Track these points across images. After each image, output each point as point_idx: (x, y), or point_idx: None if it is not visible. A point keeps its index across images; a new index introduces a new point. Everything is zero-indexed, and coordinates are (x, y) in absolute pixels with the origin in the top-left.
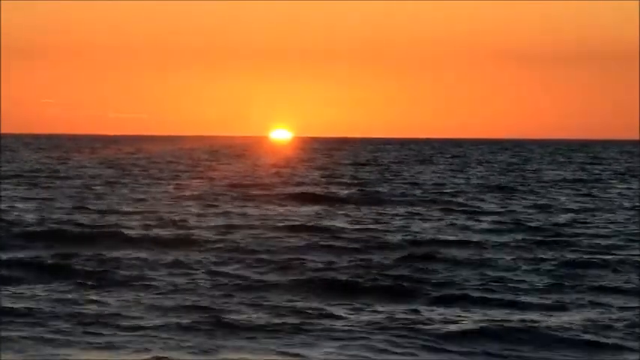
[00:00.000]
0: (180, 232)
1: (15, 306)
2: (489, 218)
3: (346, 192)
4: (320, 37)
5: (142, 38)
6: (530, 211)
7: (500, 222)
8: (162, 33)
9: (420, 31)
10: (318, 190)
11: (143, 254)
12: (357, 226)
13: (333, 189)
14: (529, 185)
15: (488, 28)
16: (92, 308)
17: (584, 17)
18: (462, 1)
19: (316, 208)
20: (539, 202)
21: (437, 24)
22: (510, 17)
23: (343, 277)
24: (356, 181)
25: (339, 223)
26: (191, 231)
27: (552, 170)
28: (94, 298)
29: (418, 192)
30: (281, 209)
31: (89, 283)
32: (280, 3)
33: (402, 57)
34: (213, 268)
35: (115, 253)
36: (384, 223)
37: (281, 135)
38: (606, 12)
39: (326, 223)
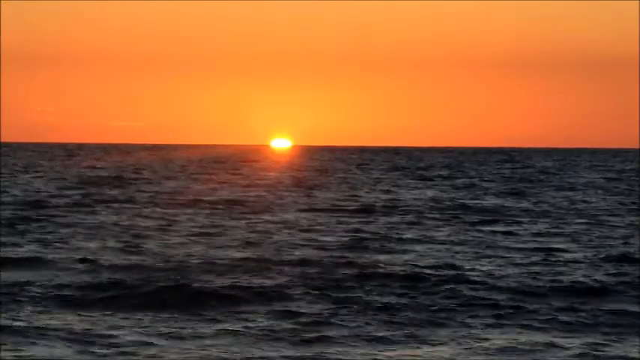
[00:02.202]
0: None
1: None
2: None
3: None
4: (321, 45)
5: (140, 44)
6: None
7: None
8: (160, 39)
9: (423, 37)
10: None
11: None
12: None
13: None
14: None
15: (489, 32)
16: None
17: (583, 19)
18: (465, 1)
19: None
20: None
21: (438, 29)
22: (508, 19)
23: None
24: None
25: None
26: None
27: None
28: None
29: None
30: None
31: None
32: (279, 10)
33: (404, 63)
34: None
35: None
36: None
37: (280, 144)
38: (605, 14)
39: None
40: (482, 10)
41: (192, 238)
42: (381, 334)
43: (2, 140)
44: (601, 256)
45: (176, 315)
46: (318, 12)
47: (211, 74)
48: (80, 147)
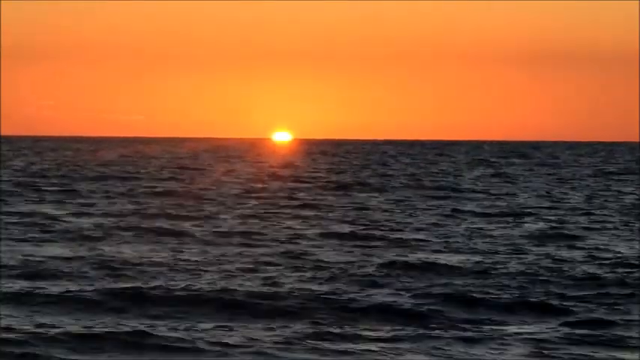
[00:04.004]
0: None
1: None
2: None
3: None
4: (322, 39)
5: (141, 39)
6: None
7: None
8: (160, 34)
9: (423, 31)
10: None
11: None
12: None
13: None
14: None
15: (485, 29)
16: None
17: (582, 17)
18: (461, 1)
19: None
20: None
21: (438, 24)
22: (506, 16)
23: None
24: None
25: None
26: None
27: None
28: None
29: None
30: None
31: None
32: (280, 4)
33: (404, 58)
34: None
35: None
36: None
37: (281, 137)
38: (605, 11)
39: None
40: (484, 7)
41: None
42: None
43: (2, 134)
44: None
45: None
46: (318, 9)
47: (212, 69)
48: (79, 140)
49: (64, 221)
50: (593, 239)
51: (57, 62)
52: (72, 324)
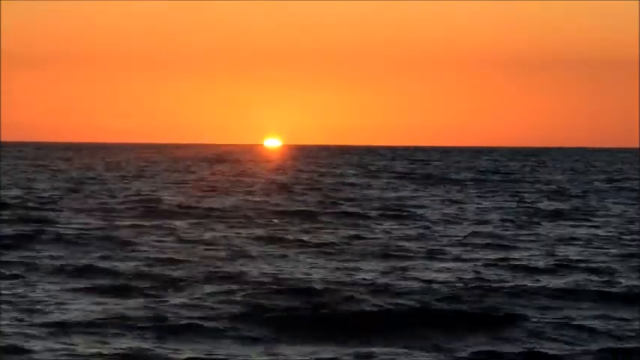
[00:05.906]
0: None
1: None
2: None
3: None
4: (313, 43)
5: (134, 45)
6: None
7: None
8: (154, 40)
9: (414, 36)
10: None
11: None
12: None
13: None
14: None
15: (481, 32)
16: None
17: (582, 18)
18: (458, 2)
19: None
20: None
21: (431, 28)
22: (506, 19)
23: None
24: None
25: None
26: None
27: None
28: None
29: None
30: None
31: None
32: (274, 7)
33: (396, 62)
34: None
35: None
36: None
37: (271, 143)
38: (604, 13)
39: None
40: (477, 9)
41: None
42: None
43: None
44: None
45: None
46: (311, 11)
47: (205, 74)
48: (79, 147)
49: None
50: None
51: (51, 68)
52: None
